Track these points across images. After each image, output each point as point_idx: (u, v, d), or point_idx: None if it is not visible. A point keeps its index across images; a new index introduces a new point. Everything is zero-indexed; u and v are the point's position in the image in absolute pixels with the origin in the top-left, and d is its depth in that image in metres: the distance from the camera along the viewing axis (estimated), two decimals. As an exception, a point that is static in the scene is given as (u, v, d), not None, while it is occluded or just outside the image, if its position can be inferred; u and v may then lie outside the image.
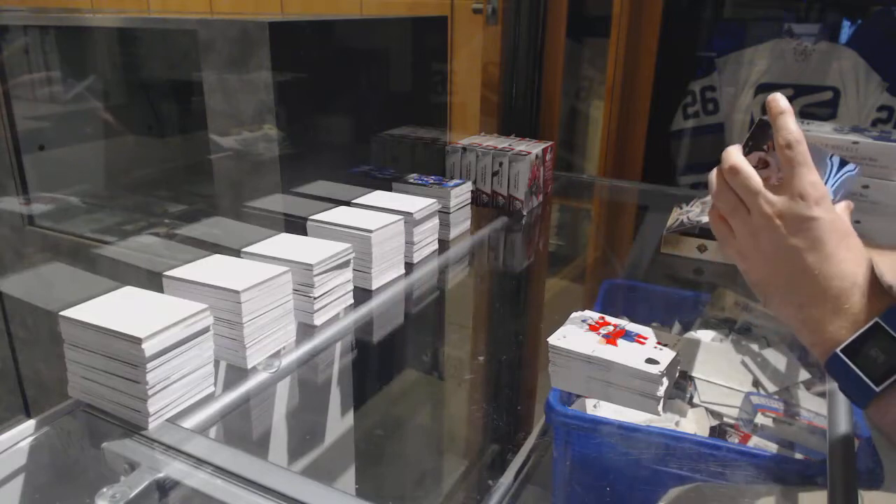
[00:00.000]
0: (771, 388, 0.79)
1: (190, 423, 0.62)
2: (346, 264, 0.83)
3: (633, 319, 0.68)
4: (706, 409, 0.76)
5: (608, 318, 0.65)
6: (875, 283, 0.49)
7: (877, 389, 0.45)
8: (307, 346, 0.76)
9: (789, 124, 0.52)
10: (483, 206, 1.25)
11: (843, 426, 0.60)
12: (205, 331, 0.64)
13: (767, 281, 0.54)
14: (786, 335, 0.88)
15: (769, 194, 0.52)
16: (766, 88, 1.51)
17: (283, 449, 0.84)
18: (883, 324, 0.46)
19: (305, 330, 0.78)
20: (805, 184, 0.51)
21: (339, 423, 0.94)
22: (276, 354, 0.73)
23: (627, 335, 0.62)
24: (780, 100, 0.54)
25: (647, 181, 1.52)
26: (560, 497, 0.71)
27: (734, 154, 0.56)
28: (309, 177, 1.01)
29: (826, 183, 0.55)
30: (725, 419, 0.75)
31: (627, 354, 0.59)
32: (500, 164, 1.22)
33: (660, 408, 0.58)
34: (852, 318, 0.48)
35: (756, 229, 0.53)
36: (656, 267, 1.10)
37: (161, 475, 0.55)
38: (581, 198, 1.58)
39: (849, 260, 0.50)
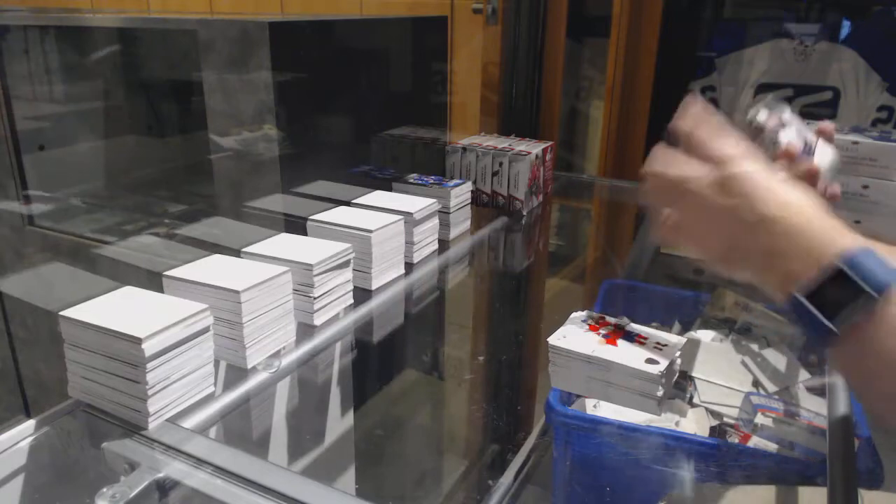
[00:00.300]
0: (771, 388, 0.79)
1: (190, 423, 0.62)
2: (346, 264, 0.83)
3: (633, 319, 0.68)
4: (706, 409, 0.76)
5: (608, 318, 0.65)
6: (826, 218, 0.48)
7: (836, 330, 0.45)
8: (307, 346, 0.76)
9: (688, 113, 0.55)
10: (483, 206, 1.25)
11: (843, 426, 0.60)
12: (205, 331, 0.64)
13: (725, 254, 0.53)
14: (786, 335, 0.88)
15: (690, 175, 0.53)
16: (766, 88, 1.51)
17: (283, 449, 0.84)
18: (842, 266, 0.45)
19: (305, 330, 0.78)
20: (713, 151, 0.52)
21: (339, 423, 0.94)
22: (276, 354, 0.73)
23: (627, 335, 0.62)
24: (691, 100, 0.56)
25: (648, 181, 1.52)
26: (560, 497, 0.71)
27: (654, 160, 0.57)
28: (309, 177, 1.01)
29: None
30: (725, 419, 0.75)
31: (627, 354, 0.59)
32: (500, 164, 1.22)
33: (660, 408, 0.58)
34: (813, 258, 0.47)
35: (695, 210, 0.53)
36: (656, 267, 1.10)
37: (161, 475, 0.55)
38: (581, 198, 1.58)
39: (789, 200, 0.49)
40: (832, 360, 0.48)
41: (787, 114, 0.72)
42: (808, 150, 0.67)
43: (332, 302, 0.81)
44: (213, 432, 0.63)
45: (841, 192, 0.91)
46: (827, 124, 0.66)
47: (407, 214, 0.94)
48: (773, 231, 0.48)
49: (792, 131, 0.68)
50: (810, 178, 0.63)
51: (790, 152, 0.63)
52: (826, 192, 0.65)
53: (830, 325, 0.45)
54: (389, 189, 1.08)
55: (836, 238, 0.46)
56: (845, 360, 0.47)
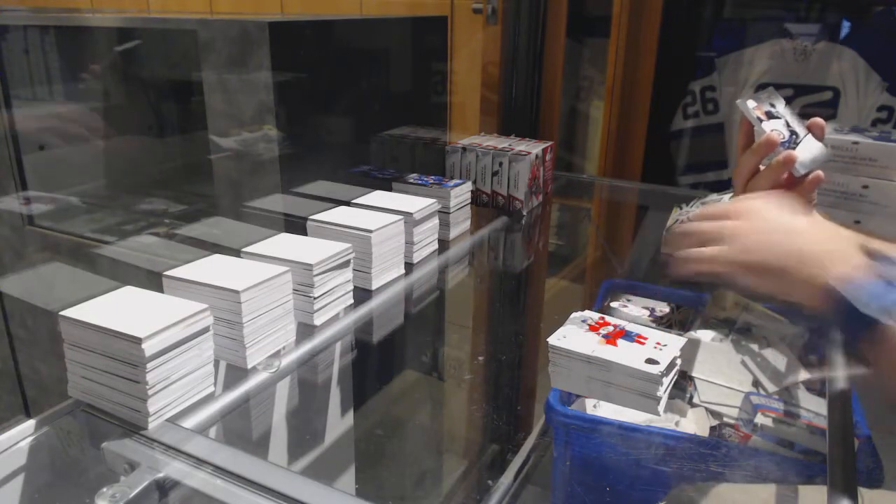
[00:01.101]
0: (771, 388, 0.79)
1: (190, 423, 0.62)
2: (346, 264, 0.83)
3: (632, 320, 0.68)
4: (706, 409, 0.76)
5: (608, 318, 0.65)
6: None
7: (875, 318, 0.48)
8: (307, 346, 0.76)
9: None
10: (483, 206, 1.25)
11: (843, 426, 0.60)
12: (205, 331, 0.64)
13: (759, 265, 0.58)
14: (786, 335, 0.88)
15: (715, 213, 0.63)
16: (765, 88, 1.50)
17: (283, 449, 0.84)
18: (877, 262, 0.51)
19: (305, 330, 0.78)
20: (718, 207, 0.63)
21: (339, 423, 0.94)
22: (276, 354, 0.73)
23: (627, 335, 0.62)
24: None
25: (647, 181, 1.52)
26: (560, 497, 0.71)
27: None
28: (309, 177, 1.01)
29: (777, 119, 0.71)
30: (725, 419, 0.75)
31: (627, 354, 0.59)
32: (500, 164, 1.22)
33: (660, 408, 0.58)
34: (845, 259, 0.52)
35: (739, 233, 0.60)
36: (656, 267, 1.09)
37: (161, 475, 0.55)
38: (581, 198, 1.58)
39: (805, 221, 0.59)
40: (869, 355, 0.50)
41: (781, 106, 0.73)
42: (793, 142, 0.69)
43: (332, 302, 0.81)
44: (213, 432, 0.63)
45: (841, 191, 0.91)
46: (817, 120, 0.72)
47: (407, 214, 0.94)
48: (803, 239, 0.56)
49: (779, 122, 0.70)
50: (786, 165, 0.68)
51: (771, 140, 0.68)
52: (807, 179, 0.69)
53: (873, 316, 0.47)
54: (389, 189, 1.08)
55: (856, 243, 0.52)
56: (884, 354, 0.49)
